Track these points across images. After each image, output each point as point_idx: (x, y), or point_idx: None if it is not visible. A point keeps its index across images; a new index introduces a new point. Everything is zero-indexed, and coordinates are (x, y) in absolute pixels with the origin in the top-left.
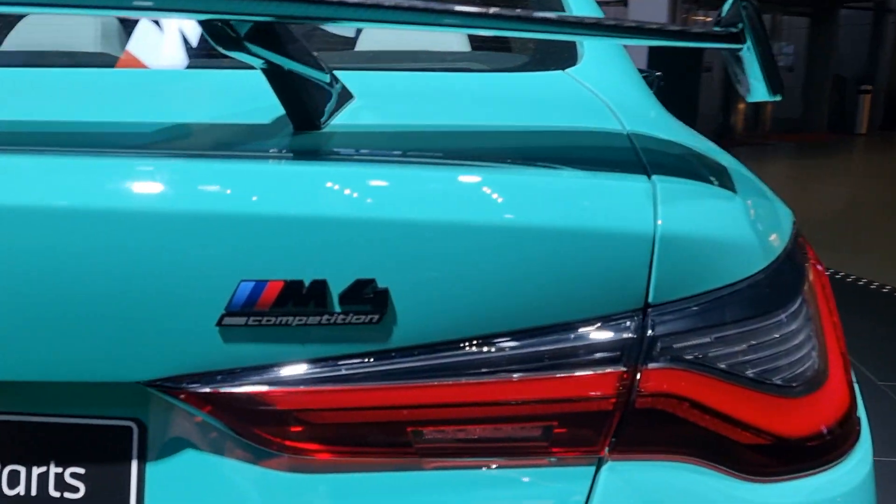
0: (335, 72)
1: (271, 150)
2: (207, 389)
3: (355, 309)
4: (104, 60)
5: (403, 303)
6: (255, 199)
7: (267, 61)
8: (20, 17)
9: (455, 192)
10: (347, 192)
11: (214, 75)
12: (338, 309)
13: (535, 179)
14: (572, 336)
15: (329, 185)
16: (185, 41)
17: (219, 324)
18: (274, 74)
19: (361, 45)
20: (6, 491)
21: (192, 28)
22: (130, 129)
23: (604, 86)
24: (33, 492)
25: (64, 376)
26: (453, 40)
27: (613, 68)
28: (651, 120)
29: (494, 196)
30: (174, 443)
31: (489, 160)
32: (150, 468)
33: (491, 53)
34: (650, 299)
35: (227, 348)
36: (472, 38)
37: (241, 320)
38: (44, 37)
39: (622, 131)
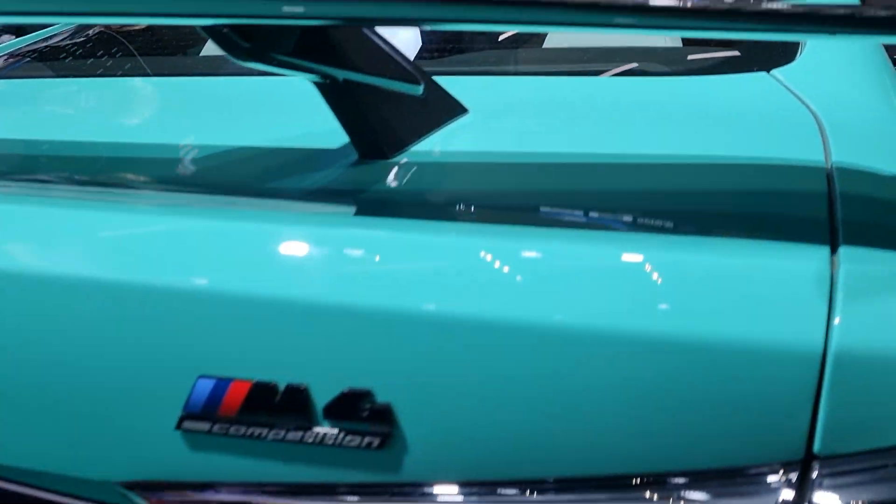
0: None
1: (274, 195)
2: (179, 502)
3: (347, 428)
4: None
5: (418, 428)
6: (222, 268)
7: (314, 71)
8: None
9: (513, 273)
10: (350, 264)
11: None
12: (323, 425)
13: (639, 256)
14: (680, 496)
15: (324, 250)
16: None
17: (179, 427)
18: (329, 88)
19: (550, 42)
20: None
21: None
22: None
23: (824, 92)
24: None
25: (46, 467)
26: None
27: (847, 66)
28: (891, 147)
29: (562, 279)
30: None
31: (579, 222)
32: None
33: (700, 49)
34: (816, 448)
35: (194, 457)
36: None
37: (204, 426)
38: None
39: (822, 167)
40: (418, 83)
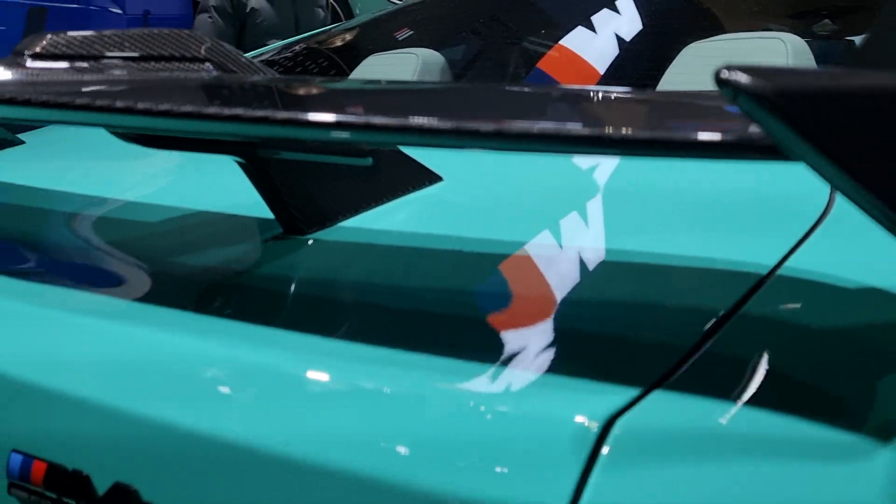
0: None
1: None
2: None
3: None
4: None
5: None
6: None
7: (226, 153)
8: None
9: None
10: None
11: None
12: None
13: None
14: None
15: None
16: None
17: (9, 492)
18: (246, 164)
19: (665, 85)
20: None
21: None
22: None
23: None
24: None
25: None
26: None
27: None
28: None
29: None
30: None
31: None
32: None
33: None
34: None
35: None
36: None
37: (24, 495)
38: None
39: (759, 273)
40: (364, 155)
